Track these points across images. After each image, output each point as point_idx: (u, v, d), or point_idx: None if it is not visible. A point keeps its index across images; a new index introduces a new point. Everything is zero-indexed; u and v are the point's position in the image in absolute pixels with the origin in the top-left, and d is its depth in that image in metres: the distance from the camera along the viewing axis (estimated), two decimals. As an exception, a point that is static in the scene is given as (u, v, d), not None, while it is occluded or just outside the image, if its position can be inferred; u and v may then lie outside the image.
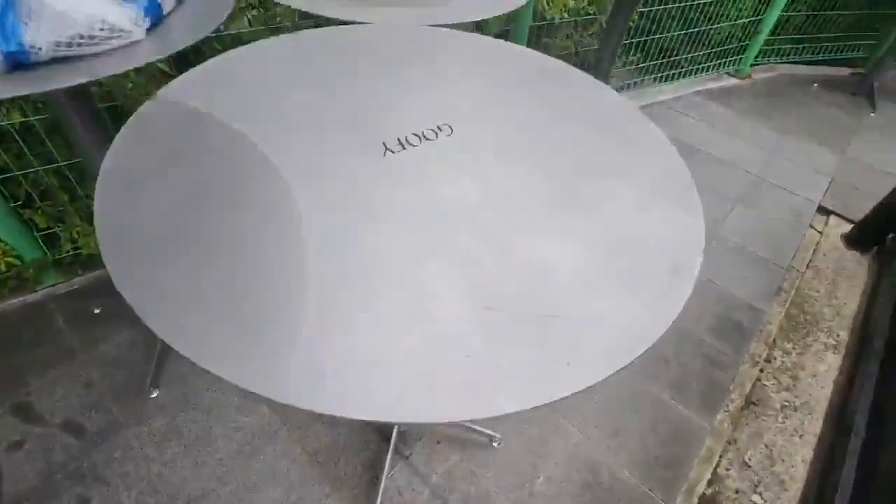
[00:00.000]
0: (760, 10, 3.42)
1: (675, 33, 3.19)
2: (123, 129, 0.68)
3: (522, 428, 1.48)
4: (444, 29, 0.95)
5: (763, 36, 3.51)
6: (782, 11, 3.43)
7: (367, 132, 0.71)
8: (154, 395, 1.44)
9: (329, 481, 1.31)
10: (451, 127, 0.74)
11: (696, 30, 3.25)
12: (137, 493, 1.25)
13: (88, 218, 1.65)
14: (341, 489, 1.30)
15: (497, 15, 1.12)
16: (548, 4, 2.37)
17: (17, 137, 1.40)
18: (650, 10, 3.04)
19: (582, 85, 0.91)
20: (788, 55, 3.96)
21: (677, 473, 1.43)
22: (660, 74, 3.35)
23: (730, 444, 1.52)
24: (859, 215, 2.34)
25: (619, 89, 3.22)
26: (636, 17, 2.98)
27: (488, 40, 1.01)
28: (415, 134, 0.71)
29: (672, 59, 3.31)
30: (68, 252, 1.65)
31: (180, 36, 0.86)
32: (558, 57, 2.56)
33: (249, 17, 1.62)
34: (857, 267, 2.21)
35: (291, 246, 0.57)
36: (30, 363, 1.47)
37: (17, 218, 1.52)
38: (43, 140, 1.45)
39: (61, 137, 1.48)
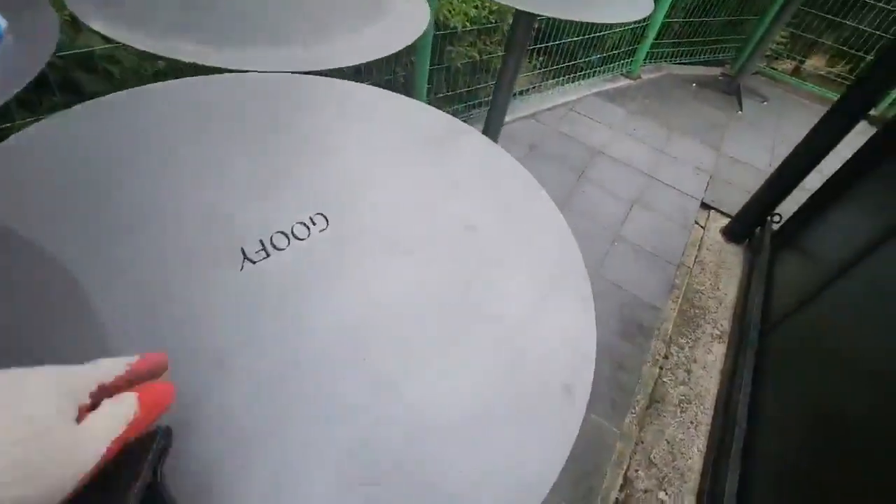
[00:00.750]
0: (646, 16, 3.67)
1: (574, 39, 3.32)
2: None
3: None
4: (323, 78, 0.85)
5: (650, 40, 3.78)
6: (664, 18, 3.71)
7: (222, 236, 0.59)
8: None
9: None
10: (325, 218, 0.64)
11: (592, 35, 3.41)
12: None
13: None
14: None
15: (395, 50, 1.05)
16: (449, 14, 2.33)
17: None
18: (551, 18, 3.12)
19: (474, 150, 0.86)
20: (671, 57, 4.33)
21: (592, 485, 1.51)
22: (562, 78, 3.48)
23: (637, 444, 1.63)
24: (735, 210, 2.62)
25: (525, 92, 3.30)
26: (540, 23, 3.05)
27: (372, 92, 0.91)
28: (281, 232, 0.61)
29: (572, 62, 3.45)
30: None
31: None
32: (463, 65, 2.51)
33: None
34: (735, 259, 2.48)
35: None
36: None
37: None
38: None
39: None
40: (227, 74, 0.82)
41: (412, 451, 0.47)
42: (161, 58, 0.85)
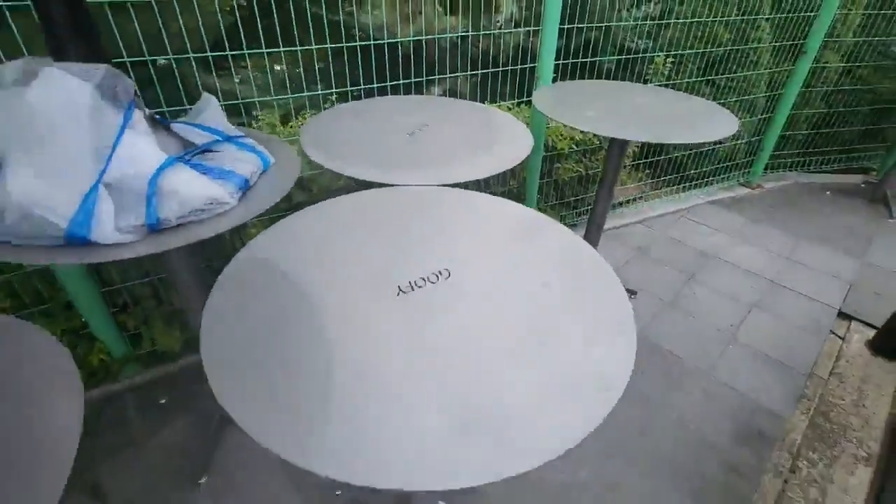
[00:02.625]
0: (761, 129, 3.76)
1: (682, 153, 3.54)
2: (220, 277, 0.95)
3: (537, 531, 1.52)
4: (455, 189, 1.26)
5: (767, 153, 3.81)
6: (782, 132, 3.75)
7: (389, 281, 0.97)
8: (203, 479, 1.61)
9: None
10: (449, 272, 0.99)
11: (701, 150, 3.59)
12: (178, 576, 1.37)
13: (166, 320, 1.97)
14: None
15: (498, 171, 1.44)
16: (558, 138, 2.78)
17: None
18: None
19: (560, 239, 1.15)
20: (798, 167, 4.21)
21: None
22: (672, 187, 3.65)
23: (754, 560, 1.47)
24: (882, 321, 2.36)
25: (632, 201, 3.51)
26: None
27: (488, 199, 1.28)
28: (422, 278, 0.97)
29: (682, 173, 3.62)
30: (148, 349, 1.96)
31: (260, 203, 1.19)
32: (570, 178, 2.86)
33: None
34: (885, 374, 2.18)
35: (332, 363, 0.80)
36: (105, 448, 1.70)
37: (112, 321, 1.86)
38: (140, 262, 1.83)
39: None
40: (387, 187, 1.27)
41: (486, 405, 0.72)
42: (344, 177, 1.34)
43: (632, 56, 3.04)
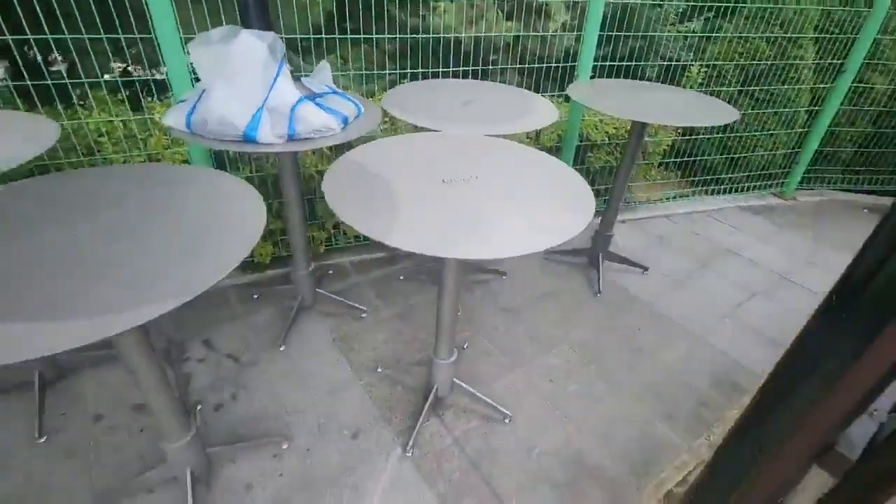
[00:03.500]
0: (799, 143, 3.94)
1: (714, 157, 3.81)
2: (327, 172, 1.48)
3: (531, 413, 1.94)
4: (497, 138, 1.74)
5: (802, 166, 3.98)
6: (820, 147, 3.92)
7: (442, 174, 1.46)
8: (282, 347, 2.17)
9: (385, 422, 1.87)
10: (477, 176, 1.47)
11: (735, 156, 3.84)
12: (262, 399, 1.92)
13: (263, 237, 2.57)
14: (391, 426, 1.85)
15: (527, 130, 1.90)
16: (593, 131, 3.18)
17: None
18: (692, 137, 3.73)
19: (562, 169, 1.60)
20: (839, 183, 4.31)
21: (650, 471, 1.77)
22: (701, 189, 3.92)
23: (701, 463, 1.82)
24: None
25: (661, 200, 3.82)
26: (679, 142, 3.68)
27: (514, 144, 1.75)
28: (459, 178, 1.45)
29: (714, 177, 3.88)
30: (249, 257, 2.56)
31: (354, 132, 1.72)
32: (601, 168, 3.24)
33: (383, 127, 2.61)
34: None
35: (398, 199, 1.29)
36: (215, 318, 2.31)
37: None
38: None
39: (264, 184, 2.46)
40: (445, 133, 1.77)
41: (485, 228, 1.19)
42: (416, 128, 1.85)
43: (665, 63, 3.38)
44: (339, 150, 2.56)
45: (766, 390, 0.89)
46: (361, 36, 2.47)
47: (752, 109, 3.72)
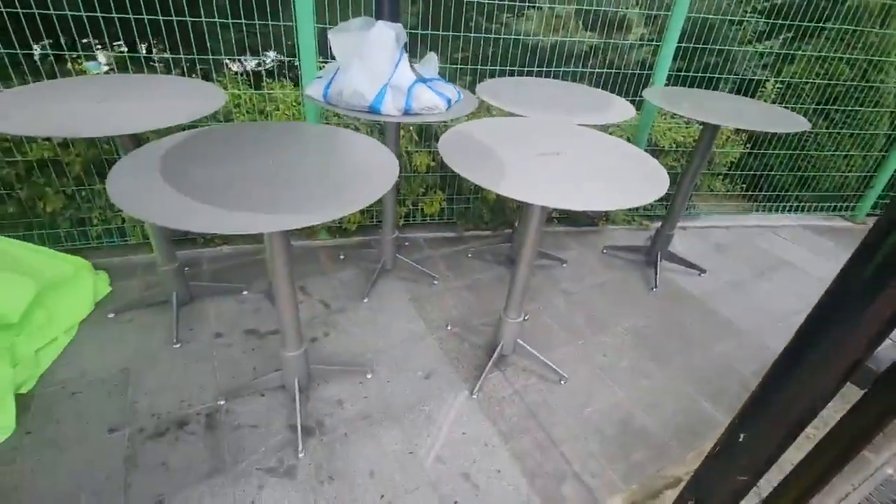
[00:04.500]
0: (874, 166, 3.88)
1: (783, 174, 3.83)
2: (443, 137, 1.75)
3: (585, 379, 2.14)
4: (581, 126, 1.98)
5: (876, 191, 3.91)
6: (897, 171, 3.84)
7: (535, 149, 1.70)
8: (365, 300, 2.48)
9: (453, 369, 2.13)
10: (567, 153, 1.71)
11: (805, 174, 3.84)
12: (349, 339, 2.23)
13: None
14: (458, 373, 2.10)
15: (607, 123, 2.12)
16: (661, 137, 3.32)
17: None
18: (761, 152, 3.78)
19: (633, 150, 1.81)
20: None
21: (694, 441, 1.92)
22: (767, 204, 3.93)
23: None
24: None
25: (723, 213, 3.87)
26: (747, 156, 3.74)
27: (595, 131, 1.97)
28: (552, 152, 1.69)
29: (781, 193, 3.90)
30: (337, 224, 2.91)
31: (456, 112, 2.00)
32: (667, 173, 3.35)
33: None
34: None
35: (503, 166, 1.54)
36: (308, 271, 2.66)
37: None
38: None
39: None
40: (534, 118, 2.02)
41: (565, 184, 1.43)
42: (511, 113, 2.11)
43: (740, 77, 3.47)
44: (427, 136, 2.87)
45: (804, 329, 1.06)
46: (451, 33, 2.78)
47: (828, 128, 3.72)
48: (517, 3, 3.03)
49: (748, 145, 3.62)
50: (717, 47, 3.21)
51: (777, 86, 3.52)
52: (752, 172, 3.82)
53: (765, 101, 3.56)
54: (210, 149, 1.51)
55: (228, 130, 1.68)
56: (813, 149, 3.79)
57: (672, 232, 2.93)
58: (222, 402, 1.85)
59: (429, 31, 2.61)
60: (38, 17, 2.06)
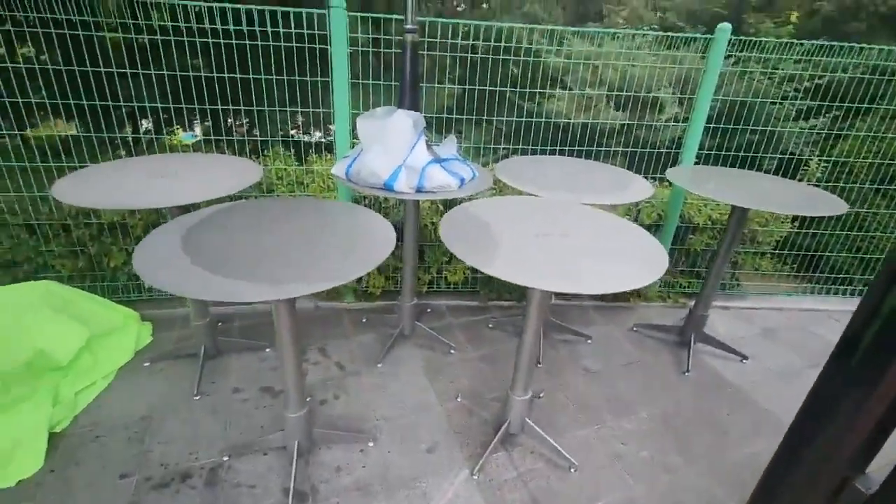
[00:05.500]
0: None
1: (841, 255, 3.56)
2: (444, 217, 1.86)
3: (598, 468, 1.99)
4: (590, 206, 2.01)
5: (957, 275, 3.50)
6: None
7: (538, 231, 1.75)
8: (380, 365, 2.51)
9: (458, 444, 2.07)
10: (568, 234, 1.73)
11: (866, 256, 3.55)
12: (358, 404, 2.24)
13: (377, 271, 3.04)
14: (462, 450, 2.03)
15: (622, 203, 2.13)
16: (696, 213, 3.25)
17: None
18: (813, 231, 3.57)
19: (638, 232, 1.80)
20: None
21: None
22: (825, 286, 3.63)
23: None
24: None
25: (771, 294, 3.61)
26: (796, 235, 3.54)
27: (605, 214, 1.99)
28: (553, 233, 1.72)
29: (839, 276, 3.59)
30: (363, 287, 3.04)
31: (468, 191, 2.11)
32: (702, 251, 3.25)
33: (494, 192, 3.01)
34: None
35: (499, 246, 1.59)
36: (330, 333, 2.76)
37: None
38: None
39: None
40: (544, 198, 2.09)
41: (574, 269, 1.44)
42: (522, 194, 2.19)
43: (779, 156, 3.38)
44: (451, 205, 3.00)
45: (792, 430, 0.97)
46: (484, 117, 2.98)
47: (887, 208, 3.47)
48: (547, 91, 3.23)
49: (795, 223, 3.44)
50: (751, 127, 3.19)
51: (823, 164, 3.38)
52: (802, 252, 3.59)
53: (808, 180, 3.41)
54: (234, 221, 1.69)
55: (256, 204, 1.88)
56: (877, 229, 3.53)
57: (706, 312, 2.77)
58: (226, 459, 1.90)
59: (453, 116, 2.83)
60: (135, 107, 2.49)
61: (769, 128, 3.35)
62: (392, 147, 2.02)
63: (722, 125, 3.11)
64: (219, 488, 1.79)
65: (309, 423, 1.91)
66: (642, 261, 1.59)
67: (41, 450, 1.85)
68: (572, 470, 1.98)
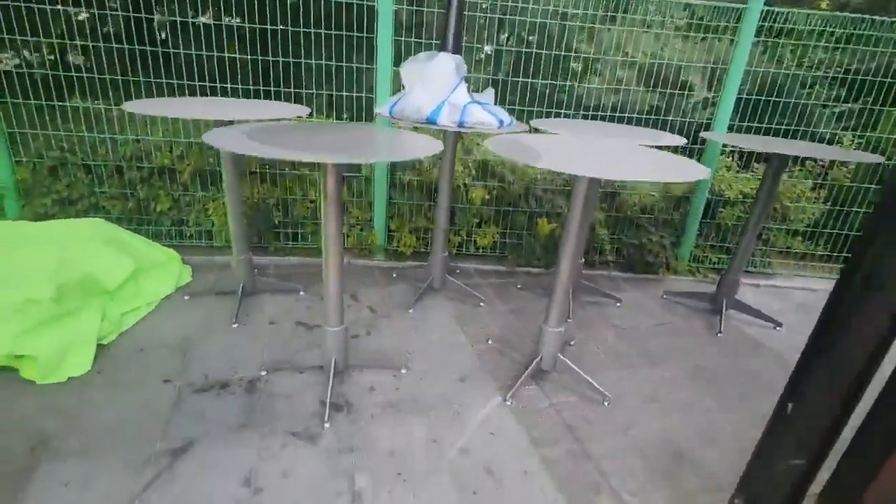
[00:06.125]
0: None
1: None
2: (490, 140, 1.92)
3: (632, 404, 1.97)
4: (626, 143, 2.05)
5: None
6: None
7: (581, 151, 1.81)
8: (411, 311, 2.54)
9: (490, 377, 2.07)
10: (612, 153, 1.78)
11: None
12: (390, 339, 2.27)
13: (410, 231, 3.09)
14: (494, 381, 2.04)
15: (656, 145, 2.16)
16: (729, 187, 3.25)
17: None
18: (847, 210, 3.51)
19: (683, 162, 1.83)
20: None
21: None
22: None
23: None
24: None
25: (802, 275, 3.55)
26: (828, 216, 3.49)
27: (645, 149, 2.03)
28: (599, 153, 1.78)
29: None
30: (394, 246, 3.10)
31: (506, 131, 2.18)
32: (733, 223, 3.21)
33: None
34: None
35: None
36: (361, 284, 2.81)
37: (385, 221, 3.06)
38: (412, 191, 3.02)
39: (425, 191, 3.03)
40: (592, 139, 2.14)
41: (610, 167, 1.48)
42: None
43: (812, 130, 3.37)
44: (485, 168, 3.06)
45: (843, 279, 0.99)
46: (520, 79, 3.07)
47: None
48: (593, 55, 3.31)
49: (828, 203, 3.40)
50: (784, 99, 3.20)
51: (857, 140, 3.36)
52: (836, 231, 3.52)
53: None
54: (289, 129, 1.79)
55: (310, 125, 1.98)
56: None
57: (738, 277, 2.74)
58: (264, 373, 1.95)
59: (489, 76, 2.93)
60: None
61: (801, 101, 3.35)
62: (435, 86, 2.11)
63: (755, 96, 3.13)
64: (257, 396, 1.82)
65: (346, 341, 1.95)
66: (687, 174, 1.62)
67: (90, 354, 1.93)
68: (605, 403, 1.96)
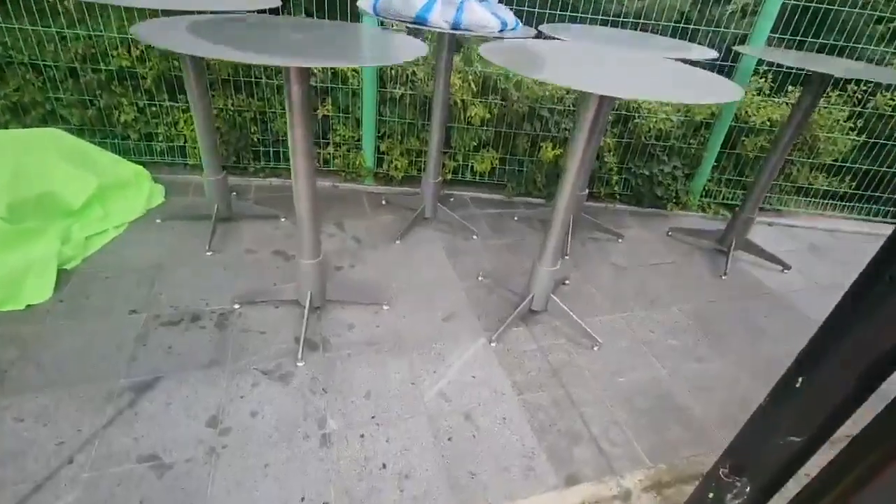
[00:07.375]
0: None
1: (906, 177, 3.21)
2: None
3: (623, 349, 1.88)
4: (646, 55, 1.74)
5: None
6: None
7: (592, 60, 1.52)
8: (398, 242, 2.39)
9: (476, 317, 1.97)
10: (626, 66, 1.50)
11: (935, 180, 3.20)
12: (374, 273, 2.14)
13: (402, 153, 2.84)
14: (480, 321, 1.94)
15: (680, 57, 1.85)
16: (755, 112, 2.92)
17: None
18: (882, 142, 3.19)
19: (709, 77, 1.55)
20: None
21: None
22: (887, 209, 3.33)
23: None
24: None
25: (822, 214, 3.33)
26: (860, 150, 3.19)
27: (666, 61, 1.73)
28: (612, 63, 1.50)
29: (899, 201, 3.28)
30: (385, 170, 2.87)
31: (509, 35, 1.85)
32: (754, 155, 2.93)
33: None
34: None
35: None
36: (347, 212, 2.63)
37: (374, 142, 2.80)
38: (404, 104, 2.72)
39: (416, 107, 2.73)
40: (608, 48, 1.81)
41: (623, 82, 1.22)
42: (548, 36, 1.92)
43: (859, 48, 2.96)
44: (486, 83, 2.73)
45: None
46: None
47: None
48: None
49: (862, 135, 3.08)
50: (837, 7, 2.74)
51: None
52: (865, 167, 3.23)
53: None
54: (252, 24, 1.49)
55: (277, 18, 1.67)
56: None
57: (752, 215, 2.54)
58: (237, 307, 1.84)
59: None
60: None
61: (856, 9, 2.90)
62: (426, -23, 1.75)
63: (802, 2, 2.69)
64: (229, 331, 1.73)
65: (323, 275, 1.82)
66: (708, 92, 1.36)
67: (51, 280, 1.81)
68: (595, 348, 1.87)
